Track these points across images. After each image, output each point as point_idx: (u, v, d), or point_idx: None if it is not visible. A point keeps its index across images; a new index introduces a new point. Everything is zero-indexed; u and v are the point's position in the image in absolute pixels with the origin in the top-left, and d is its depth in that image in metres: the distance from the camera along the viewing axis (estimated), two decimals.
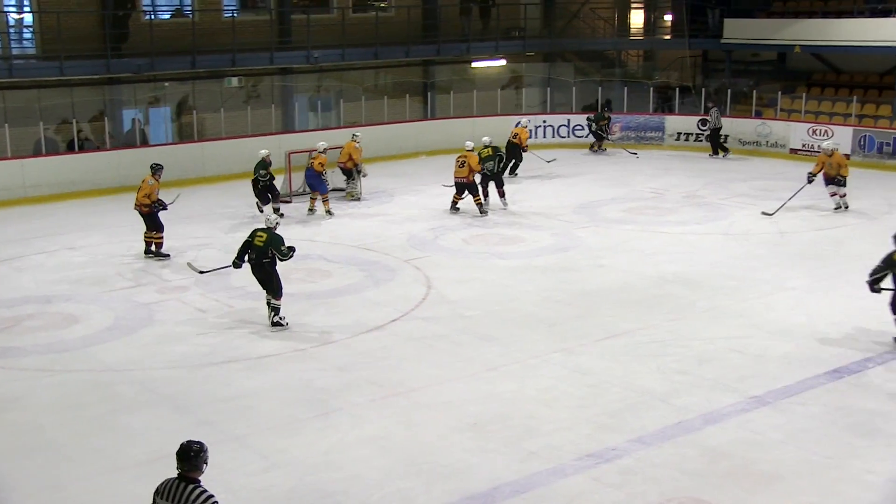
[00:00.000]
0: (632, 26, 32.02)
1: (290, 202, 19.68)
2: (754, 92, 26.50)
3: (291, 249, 12.23)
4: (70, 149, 21.37)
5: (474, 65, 28.27)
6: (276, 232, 12.35)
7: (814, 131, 24.43)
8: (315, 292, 13.77)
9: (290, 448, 9.01)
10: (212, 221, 18.22)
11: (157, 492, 5.87)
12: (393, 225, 17.83)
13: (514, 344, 11.64)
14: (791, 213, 18.16)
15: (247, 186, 19.42)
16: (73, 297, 13.66)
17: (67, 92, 21.85)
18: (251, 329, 12.28)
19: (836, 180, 18.31)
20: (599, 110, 26.38)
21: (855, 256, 15.28)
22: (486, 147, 18.97)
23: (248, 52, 23.52)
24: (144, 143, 22.87)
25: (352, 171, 19.84)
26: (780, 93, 26.35)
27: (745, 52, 28.64)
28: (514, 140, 22.17)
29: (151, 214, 15.70)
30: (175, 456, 5.91)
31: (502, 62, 28.42)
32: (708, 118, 25.07)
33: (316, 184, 18.71)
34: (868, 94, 26.07)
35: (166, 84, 23.56)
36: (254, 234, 12.36)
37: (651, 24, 31.62)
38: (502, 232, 17.19)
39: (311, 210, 18.81)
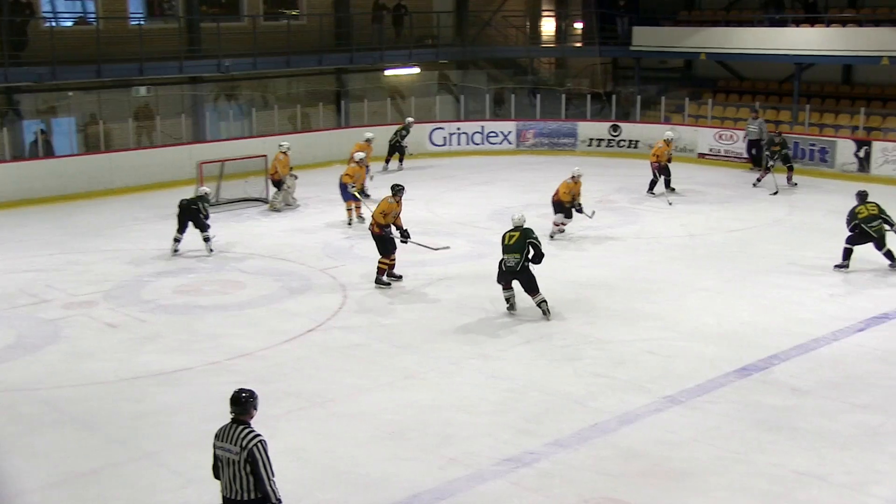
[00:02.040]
0: (543, 34, 32.40)
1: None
2: (663, 98, 27.04)
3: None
4: None
5: (387, 73, 28.29)
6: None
7: (720, 136, 25.06)
8: (229, 304, 13.60)
9: (206, 463, 8.76)
10: (121, 234, 17.85)
11: (216, 436, 6.66)
12: (308, 234, 17.71)
13: (432, 351, 11.66)
14: (701, 217, 18.62)
15: (155, 198, 19.09)
16: None
17: None
18: (164, 343, 12.06)
19: (574, 207, 17.10)
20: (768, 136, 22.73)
21: (760, 257, 15.75)
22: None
23: (157, 60, 23.11)
24: (49, 154, 22.30)
25: (280, 183, 19.64)
26: (687, 99, 26.93)
27: (653, 60, 29.22)
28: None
29: (381, 237, 14.25)
30: (228, 402, 6.68)
31: (415, 70, 28.49)
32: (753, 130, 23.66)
33: (343, 194, 18.54)
34: (769, 99, 26.86)
35: (70, 94, 23.02)
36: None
37: (562, 32, 32.03)
38: (420, 240, 17.16)
39: (358, 218, 18.47)
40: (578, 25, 31.60)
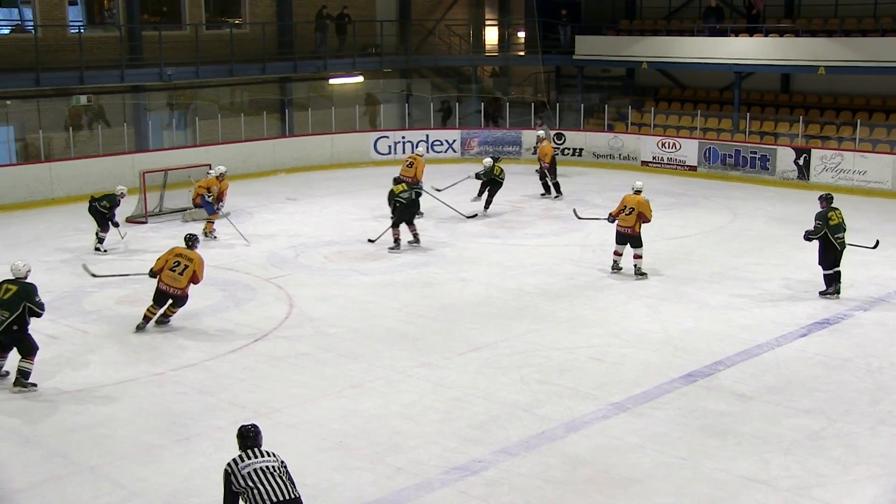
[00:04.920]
0: (486, 43, 32.54)
1: (145, 222, 19.19)
2: (606, 106, 27.30)
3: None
4: None
5: (331, 81, 28.20)
6: None
7: (663, 144, 25.37)
8: (174, 314, 13.41)
9: (150, 476, 8.75)
10: (62, 244, 17.53)
11: (237, 465, 6.75)
12: (252, 243, 17.56)
13: (378, 360, 11.62)
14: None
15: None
16: None
17: None
18: (107, 354, 11.87)
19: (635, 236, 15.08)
20: None
21: (703, 263, 15.95)
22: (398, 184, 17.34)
23: (97, 69, 22.80)
24: None
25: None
26: (630, 107, 27.25)
27: (595, 68, 29.53)
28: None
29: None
30: (239, 438, 6.97)
31: (359, 79, 28.45)
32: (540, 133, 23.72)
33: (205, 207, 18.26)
34: (711, 108, 27.28)
35: (8, 102, 22.60)
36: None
37: (505, 41, 32.19)
38: (363, 248, 17.16)
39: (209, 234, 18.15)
40: (521, 34, 31.79)
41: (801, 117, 24.30)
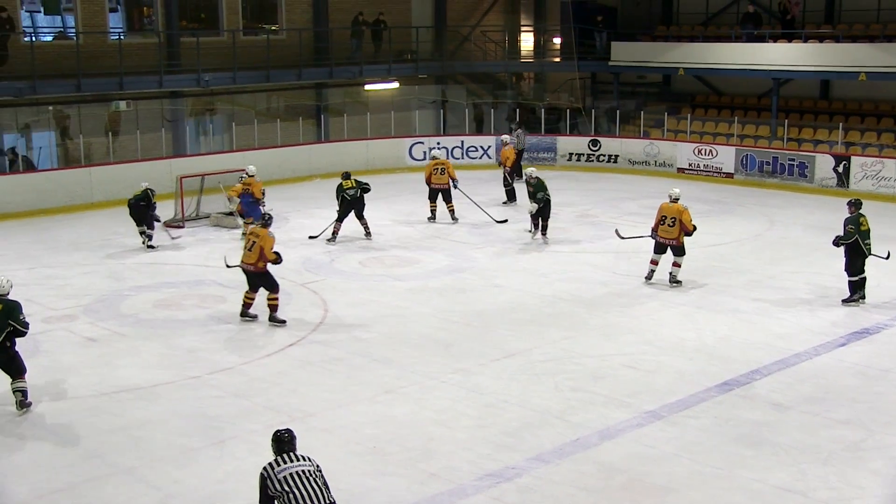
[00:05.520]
0: (522, 49, 32.54)
1: (182, 227, 19.36)
2: (642, 113, 27.17)
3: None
4: None
5: (367, 87, 28.32)
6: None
7: (699, 151, 25.21)
8: (209, 318, 13.53)
9: (185, 478, 8.82)
10: (101, 248, 17.75)
11: (274, 469, 6.80)
12: (288, 248, 17.60)
13: (411, 366, 11.64)
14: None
15: None
16: None
17: None
18: (144, 357, 11.99)
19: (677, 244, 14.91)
20: None
21: (739, 271, 15.82)
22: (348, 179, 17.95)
23: (136, 75, 23.07)
24: (29, 167, 22.19)
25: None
26: (666, 114, 27.11)
27: (631, 74, 29.41)
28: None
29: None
30: (274, 443, 7.01)
31: (395, 85, 28.54)
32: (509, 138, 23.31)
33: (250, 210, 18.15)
34: (748, 115, 27.04)
35: (50, 108, 22.93)
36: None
37: (541, 47, 32.16)
38: (398, 254, 17.21)
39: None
40: (557, 41, 31.75)
41: (840, 124, 24.05)
